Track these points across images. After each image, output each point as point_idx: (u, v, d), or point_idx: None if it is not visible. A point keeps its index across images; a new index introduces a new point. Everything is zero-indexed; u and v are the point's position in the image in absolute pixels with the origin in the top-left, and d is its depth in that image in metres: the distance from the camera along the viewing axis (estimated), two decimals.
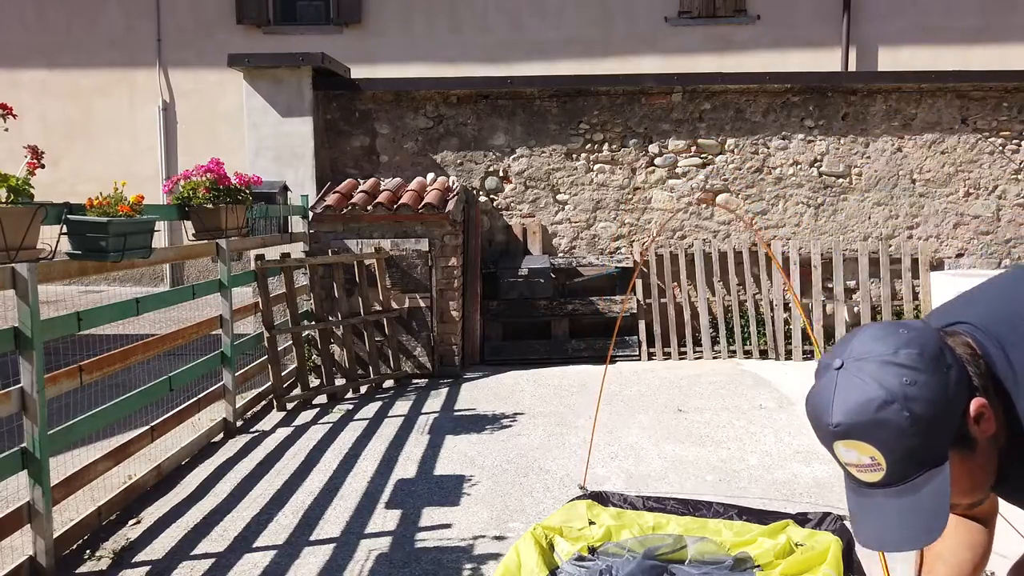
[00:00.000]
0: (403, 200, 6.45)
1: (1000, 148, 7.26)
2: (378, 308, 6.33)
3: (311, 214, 6.50)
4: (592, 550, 3.03)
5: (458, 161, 7.35)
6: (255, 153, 6.95)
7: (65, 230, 3.31)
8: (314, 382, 5.96)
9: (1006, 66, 9.51)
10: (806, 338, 7.18)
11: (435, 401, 5.79)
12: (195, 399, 4.65)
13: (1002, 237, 7.31)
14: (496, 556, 3.23)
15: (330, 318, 6.12)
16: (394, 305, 6.43)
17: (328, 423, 5.28)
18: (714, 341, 7.21)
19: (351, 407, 5.66)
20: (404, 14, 11.86)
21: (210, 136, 11.67)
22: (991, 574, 3.01)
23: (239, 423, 5.17)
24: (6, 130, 2.86)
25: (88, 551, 3.34)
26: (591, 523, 3.23)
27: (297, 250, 6.41)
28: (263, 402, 5.69)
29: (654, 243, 7.32)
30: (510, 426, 5.13)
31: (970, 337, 1.23)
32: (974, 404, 1.13)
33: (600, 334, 7.17)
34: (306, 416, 5.45)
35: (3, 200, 2.81)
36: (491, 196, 7.37)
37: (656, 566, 2.81)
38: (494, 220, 7.38)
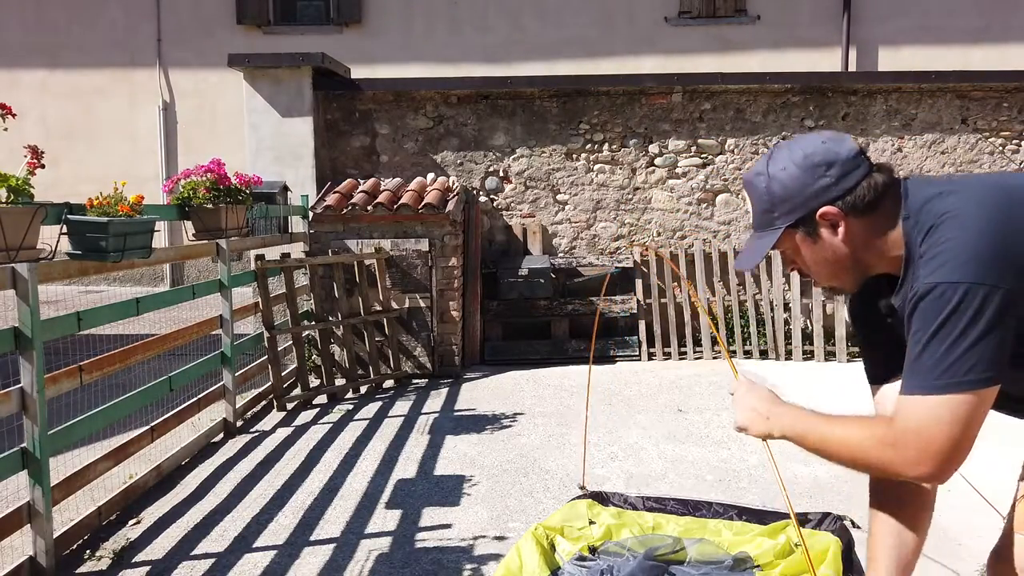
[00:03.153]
0: (403, 200, 6.45)
1: (1000, 148, 7.25)
2: (378, 308, 6.33)
3: (311, 214, 6.50)
4: (592, 549, 3.03)
5: (458, 161, 7.35)
6: (255, 153, 6.95)
7: (65, 230, 3.31)
8: (314, 382, 5.96)
9: (1006, 66, 9.52)
10: (806, 338, 7.18)
11: (435, 401, 5.79)
12: (195, 399, 4.65)
13: None
14: (496, 556, 3.23)
15: (330, 318, 6.12)
16: (394, 305, 6.43)
17: (328, 423, 5.28)
18: (714, 341, 7.20)
19: (351, 407, 5.66)
20: (404, 14, 11.87)
21: (210, 136, 11.67)
22: None
23: (239, 423, 5.17)
24: (6, 130, 2.86)
25: (88, 551, 3.34)
26: (591, 523, 3.22)
27: (297, 250, 6.41)
28: (263, 402, 5.69)
29: (655, 245, 7.33)
30: (510, 426, 5.13)
31: (902, 190, 1.49)
32: (827, 210, 1.47)
33: (600, 334, 7.17)
34: (306, 416, 5.45)
35: (3, 200, 2.81)
36: (491, 196, 7.37)
37: (656, 566, 2.81)
38: (494, 220, 7.38)
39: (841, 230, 1.48)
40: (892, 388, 1.60)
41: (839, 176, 1.46)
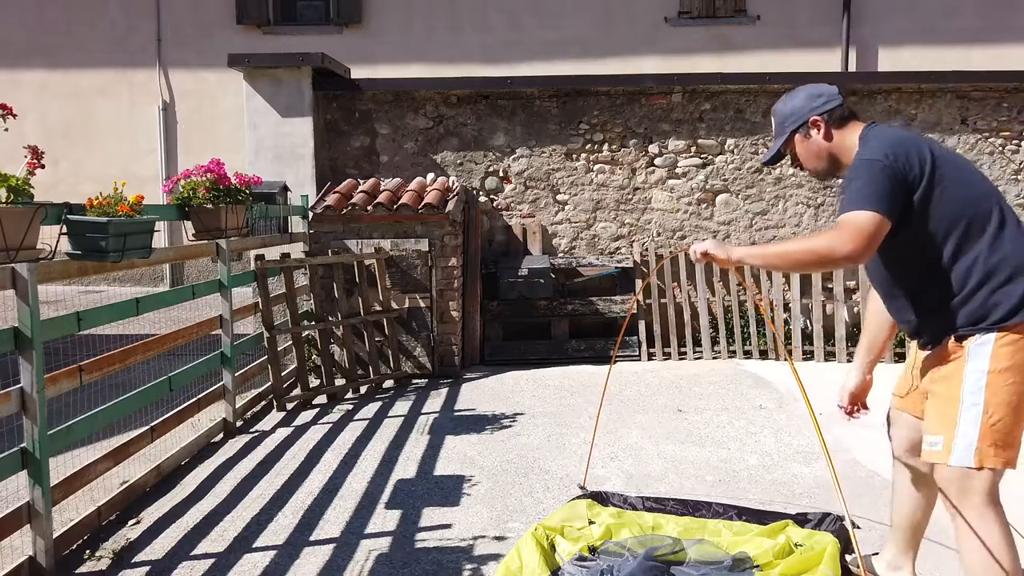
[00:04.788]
0: (403, 200, 6.45)
1: (1000, 148, 7.26)
2: (378, 308, 6.33)
3: (311, 214, 6.50)
4: (592, 549, 3.03)
5: (458, 161, 7.35)
6: (255, 153, 6.95)
7: (65, 230, 3.31)
8: (314, 382, 5.96)
9: (1006, 66, 9.51)
10: (806, 338, 7.18)
11: (435, 401, 5.79)
12: (195, 399, 4.65)
13: None
14: (496, 556, 3.23)
15: (330, 318, 6.12)
16: (394, 305, 6.43)
17: (328, 423, 5.28)
18: (714, 341, 7.20)
19: (351, 407, 5.66)
20: (404, 14, 11.86)
21: (210, 136, 11.67)
22: None
23: (239, 423, 5.17)
24: (6, 130, 2.86)
25: (88, 551, 3.35)
26: (591, 523, 3.23)
27: (297, 250, 6.41)
28: (263, 402, 5.69)
29: (657, 248, 7.32)
30: (510, 426, 5.13)
31: (867, 126, 2.46)
32: (816, 118, 2.46)
33: (600, 334, 7.17)
34: (306, 416, 5.45)
35: (3, 200, 2.81)
36: (491, 196, 7.37)
37: (656, 566, 2.81)
38: (494, 220, 7.38)
39: (823, 131, 2.47)
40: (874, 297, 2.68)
41: (825, 101, 2.48)
